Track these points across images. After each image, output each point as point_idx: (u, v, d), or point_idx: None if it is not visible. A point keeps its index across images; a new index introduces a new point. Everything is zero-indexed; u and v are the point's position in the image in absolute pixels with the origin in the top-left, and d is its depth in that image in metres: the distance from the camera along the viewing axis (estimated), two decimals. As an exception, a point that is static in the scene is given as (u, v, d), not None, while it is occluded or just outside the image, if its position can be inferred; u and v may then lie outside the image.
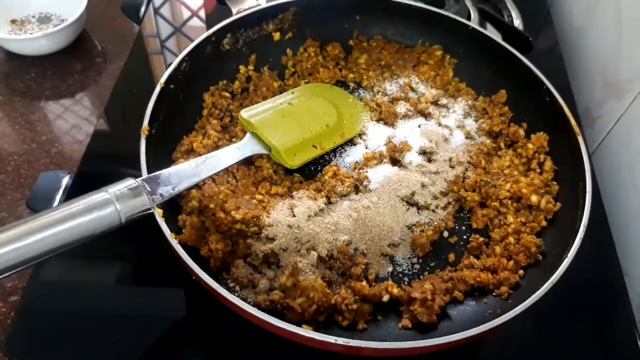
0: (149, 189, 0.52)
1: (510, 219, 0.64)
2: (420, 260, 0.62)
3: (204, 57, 0.73)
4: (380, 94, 0.80)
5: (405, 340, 0.48)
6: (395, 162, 0.70)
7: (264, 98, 0.76)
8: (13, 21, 1.05)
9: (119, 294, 0.61)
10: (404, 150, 0.70)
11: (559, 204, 0.63)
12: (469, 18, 0.88)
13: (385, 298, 0.56)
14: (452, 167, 0.70)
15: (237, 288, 0.56)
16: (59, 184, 0.67)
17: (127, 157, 0.61)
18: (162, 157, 0.64)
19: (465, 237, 0.65)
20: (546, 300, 0.50)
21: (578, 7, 0.97)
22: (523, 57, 0.74)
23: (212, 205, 0.58)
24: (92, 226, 0.48)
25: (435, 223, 0.65)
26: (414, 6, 0.82)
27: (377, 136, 0.73)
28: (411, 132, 0.72)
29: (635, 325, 0.61)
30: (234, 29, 0.76)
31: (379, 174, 0.66)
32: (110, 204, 0.48)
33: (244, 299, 0.54)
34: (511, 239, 0.62)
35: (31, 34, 1.02)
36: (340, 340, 0.46)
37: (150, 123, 0.61)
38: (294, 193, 0.65)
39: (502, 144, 0.73)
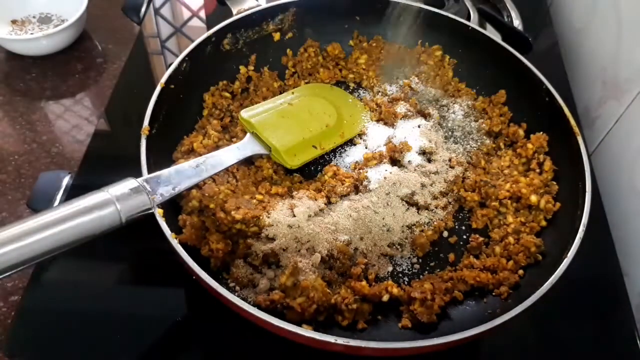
0: (149, 188, 0.52)
1: (510, 218, 0.64)
2: (420, 260, 0.62)
3: (204, 57, 0.73)
4: (380, 94, 0.80)
5: (405, 340, 0.48)
6: (395, 162, 0.70)
7: (264, 98, 0.76)
8: (13, 21, 1.05)
9: (119, 294, 0.61)
10: (403, 150, 0.70)
11: (558, 204, 0.64)
12: (468, 18, 0.88)
13: (385, 298, 0.56)
14: (451, 167, 0.70)
15: (237, 288, 0.56)
16: (59, 184, 0.67)
17: (128, 157, 0.61)
18: (162, 157, 0.64)
19: (465, 237, 0.65)
20: (546, 300, 0.50)
21: (578, 7, 0.97)
22: (523, 57, 0.74)
23: (212, 205, 0.59)
24: (93, 226, 0.48)
25: (435, 223, 0.65)
26: (414, 6, 0.82)
27: (377, 136, 0.73)
28: (411, 132, 0.73)
29: (635, 325, 0.62)
30: (234, 29, 0.76)
31: (379, 174, 0.67)
32: (110, 204, 0.49)
33: (244, 299, 0.54)
34: (511, 239, 0.62)
35: (32, 34, 1.02)
36: (340, 340, 0.46)
37: (150, 123, 0.62)
38: (294, 193, 0.65)
39: (501, 144, 0.73)
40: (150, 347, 0.57)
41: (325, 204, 0.63)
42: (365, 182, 0.66)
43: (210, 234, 0.57)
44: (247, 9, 0.77)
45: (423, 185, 0.67)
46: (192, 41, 0.72)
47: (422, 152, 0.71)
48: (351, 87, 0.82)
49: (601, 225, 0.70)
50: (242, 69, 0.79)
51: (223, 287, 0.48)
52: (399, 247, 0.63)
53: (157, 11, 1.04)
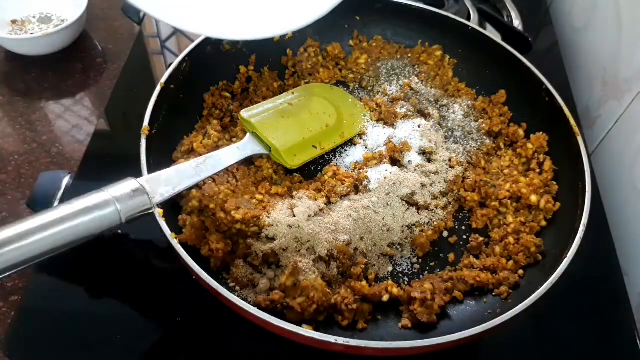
0: (149, 188, 0.52)
1: (510, 218, 0.64)
2: (420, 260, 0.62)
3: (204, 57, 0.73)
4: (380, 94, 0.80)
5: (405, 340, 0.48)
6: (395, 162, 0.70)
7: (264, 98, 0.76)
8: (13, 21, 1.05)
9: (119, 294, 0.61)
10: (403, 150, 0.70)
11: (558, 204, 0.64)
12: (468, 18, 0.88)
13: (385, 298, 0.56)
14: (451, 167, 0.70)
15: (237, 288, 0.56)
16: (59, 184, 0.67)
17: (128, 157, 0.61)
18: (162, 157, 0.64)
19: (465, 237, 0.65)
20: (546, 300, 0.50)
21: (577, 7, 0.97)
22: (523, 57, 0.74)
23: (212, 205, 0.59)
24: (93, 226, 0.48)
25: (435, 223, 0.65)
26: (414, 6, 0.82)
27: (377, 136, 0.73)
28: (411, 132, 0.73)
29: (635, 325, 0.62)
30: (234, 29, 0.76)
31: (379, 174, 0.67)
32: (110, 204, 0.49)
33: (244, 299, 0.54)
34: (511, 239, 0.62)
35: (32, 34, 1.02)
36: (340, 340, 0.46)
37: (150, 123, 0.62)
38: (294, 193, 0.65)
39: (501, 144, 0.73)
40: (150, 347, 0.57)
41: (325, 204, 0.63)
42: (365, 182, 0.66)
43: (210, 234, 0.57)
44: (247, 9, 0.77)
45: (423, 185, 0.66)
46: (192, 41, 0.72)
47: (422, 152, 0.71)
48: (351, 87, 0.82)
49: (601, 225, 0.70)
50: (242, 69, 0.79)
51: (223, 287, 0.48)
52: (399, 247, 0.63)
53: (157, 11, 1.04)
